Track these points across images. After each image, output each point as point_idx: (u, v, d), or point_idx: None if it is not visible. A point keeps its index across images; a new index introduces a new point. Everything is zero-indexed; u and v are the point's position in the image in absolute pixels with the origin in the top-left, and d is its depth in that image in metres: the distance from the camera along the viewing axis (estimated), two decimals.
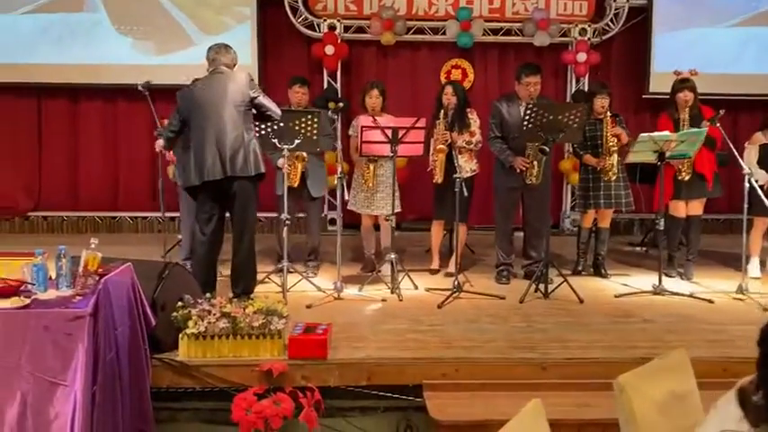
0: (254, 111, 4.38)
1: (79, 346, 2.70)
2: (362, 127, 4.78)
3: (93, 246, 3.04)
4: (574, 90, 7.88)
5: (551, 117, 4.62)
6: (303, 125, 4.69)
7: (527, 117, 4.66)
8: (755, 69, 8.01)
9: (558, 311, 4.39)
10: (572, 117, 4.64)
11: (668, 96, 7.67)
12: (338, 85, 7.77)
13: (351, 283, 4.97)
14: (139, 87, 4.66)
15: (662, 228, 4.95)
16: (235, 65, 4.50)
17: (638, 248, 7.04)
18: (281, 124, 4.67)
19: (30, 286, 3.06)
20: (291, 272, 4.89)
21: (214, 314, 3.42)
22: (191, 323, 3.39)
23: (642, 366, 2.06)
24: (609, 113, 5.32)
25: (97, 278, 3.04)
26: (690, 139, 4.74)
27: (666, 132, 4.83)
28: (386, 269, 5.14)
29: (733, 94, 7.51)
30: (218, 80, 4.34)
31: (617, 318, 4.25)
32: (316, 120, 4.71)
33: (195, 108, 4.32)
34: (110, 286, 2.94)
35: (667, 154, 4.79)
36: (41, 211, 7.65)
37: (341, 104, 4.90)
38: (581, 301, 4.60)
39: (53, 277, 3.11)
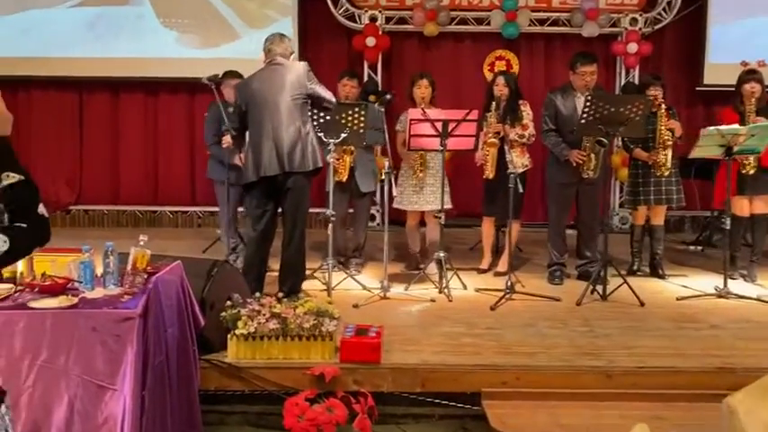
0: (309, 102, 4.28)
1: (128, 348, 2.58)
2: (411, 120, 4.60)
3: (141, 243, 2.92)
4: (624, 82, 7.59)
5: (612, 109, 4.38)
6: (350, 118, 4.52)
7: (586, 109, 4.43)
8: None
9: (618, 315, 4.16)
10: (634, 109, 4.39)
11: (725, 89, 7.44)
12: (378, 78, 7.60)
13: (396, 281, 4.81)
14: (204, 80, 4.54)
15: (728, 227, 4.67)
16: (291, 54, 4.39)
17: (692, 247, 6.73)
18: (328, 117, 4.52)
19: (77, 284, 2.96)
20: (337, 269, 4.75)
21: (264, 314, 3.28)
22: (240, 323, 3.26)
23: (752, 385, 1.85)
24: (663, 106, 5.04)
25: (146, 276, 2.92)
26: (760, 133, 4.46)
27: (735, 126, 4.55)
28: (430, 268, 4.99)
29: None
30: (276, 72, 4.22)
31: (683, 323, 4.01)
32: (363, 113, 4.54)
33: (252, 101, 4.22)
34: (160, 285, 2.81)
35: (735, 149, 4.51)
36: (82, 204, 7.66)
37: (388, 96, 4.71)
38: (642, 305, 4.37)
39: (99, 274, 3.01)
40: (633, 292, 4.41)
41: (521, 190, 4.49)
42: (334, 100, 4.34)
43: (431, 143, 4.65)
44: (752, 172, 4.92)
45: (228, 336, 3.31)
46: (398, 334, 3.69)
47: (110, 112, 7.67)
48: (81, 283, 2.93)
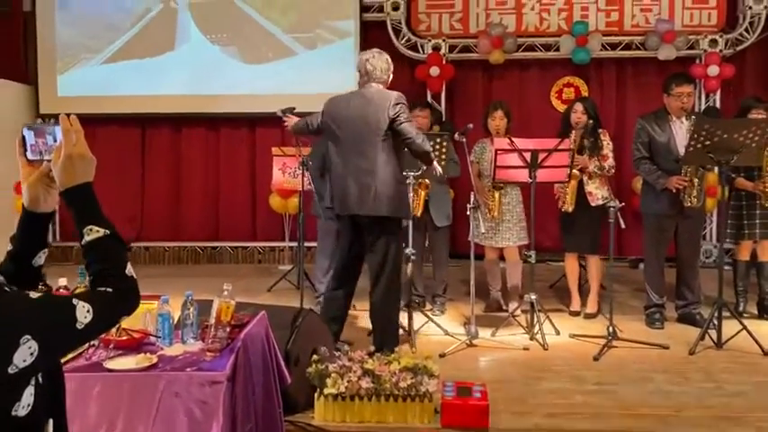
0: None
1: (215, 416, 2.25)
2: (497, 150, 4.25)
3: (225, 292, 2.60)
4: (704, 107, 7.12)
5: (724, 135, 3.94)
6: (432, 150, 4.19)
7: (694, 135, 4.00)
8: None
9: (742, 367, 3.68)
10: (750, 135, 3.95)
11: None
12: (443, 108, 7.31)
13: (479, 324, 4.40)
14: (278, 113, 4.27)
15: None
16: (389, 75, 3.74)
17: None
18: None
19: (153, 338, 2.67)
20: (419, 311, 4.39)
21: (355, 371, 2.93)
22: (329, 381, 2.91)
23: None
24: None
25: (228, 330, 2.60)
26: None
27: None
28: (511, 308, 4.63)
29: None
30: (359, 98, 3.69)
31: None
32: (445, 143, 4.23)
33: (329, 125, 3.74)
34: (248, 342, 2.49)
35: None
36: (143, 241, 7.54)
37: (470, 126, 4.39)
38: (765, 353, 3.86)
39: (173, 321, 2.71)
40: (755, 339, 3.92)
41: (622, 225, 4.06)
42: (420, 143, 3.59)
43: (519, 174, 4.28)
44: None
45: (315, 395, 2.96)
46: (499, 390, 3.28)
47: (171, 148, 7.59)
48: (159, 338, 2.63)
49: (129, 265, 1.45)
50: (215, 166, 7.56)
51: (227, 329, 2.60)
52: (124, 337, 2.58)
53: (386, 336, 3.72)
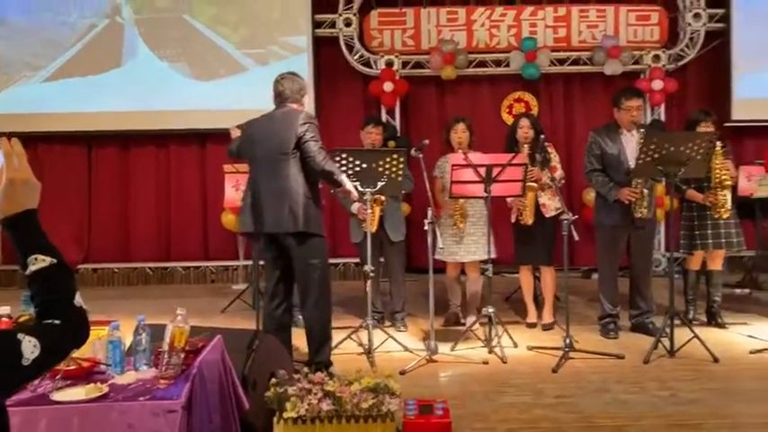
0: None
1: None
2: (453, 165, 4.26)
3: (179, 317, 2.51)
4: (650, 120, 7.33)
5: (672, 148, 4.06)
6: (387, 166, 4.19)
7: (643, 148, 4.10)
8: None
9: (695, 374, 3.76)
10: (696, 147, 4.07)
11: (754, 124, 7.21)
12: (397, 124, 7.35)
13: (438, 339, 4.37)
14: (235, 129, 4.22)
15: None
16: (302, 96, 3.87)
17: (738, 291, 6.36)
18: (364, 165, 4.19)
19: (103, 366, 2.56)
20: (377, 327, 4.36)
21: (315, 393, 2.86)
22: (289, 405, 2.84)
23: None
24: (719, 143, 4.73)
25: (183, 356, 2.51)
26: None
27: None
28: (469, 322, 4.67)
29: None
30: (270, 118, 3.80)
31: None
32: (402, 159, 4.22)
33: (245, 147, 3.86)
34: (204, 369, 2.40)
35: None
36: (91, 263, 7.30)
37: (426, 141, 4.40)
38: (716, 360, 3.96)
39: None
40: (706, 347, 4.01)
41: (576, 237, 4.11)
42: (320, 161, 3.62)
43: (475, 190, 4.30)
44: None
45: (275, 419, 2.88)
46: (461, 407, 3.26)
47: (118, 166, 7.40)
48: (109, 366, 2.52)
49: (77, 295, 1.37)
50: (165, 184, 7.39)
51: (182, 355, 2.51)
52: (72, 367, 2.46)
53: (320, 348, 3.76)
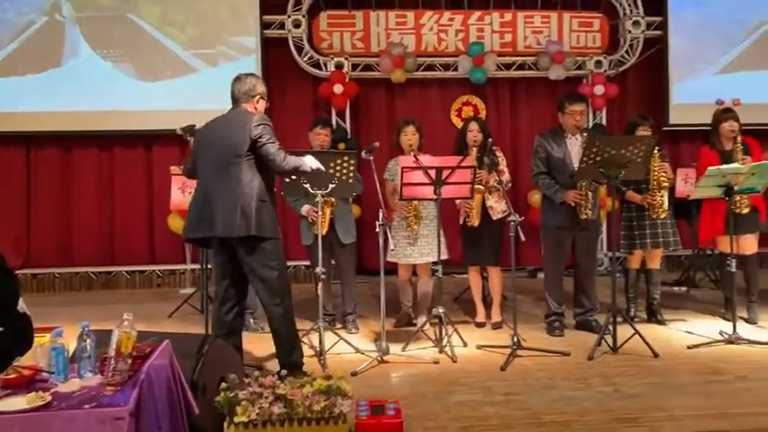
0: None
1: None
2: (403, 168, 4.30)
3: (126, 322, 2.46)
4: (592, 124, 7.56)
5: (613, 151, 4.20)
6: (338, 167, 4.20)
7: (586, 152, 4.23)
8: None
9: (636, 369, 3.89)
10: (636, 150, 4.22)
11: (690, 128, 7.50)
12: (347, 126, 7.36)
13: (389, 340, 4.40)
14: (179, 132, 4.11)
15: (734, 269, 4.51)
16: (253, 96, 3.76)
17: (676, 288, 6.62)
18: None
19: (46, 374, 2.48)
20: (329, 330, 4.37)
21: (266, 397, 2.84)
22: (239, 409, 2.81)
23: None
24: (657, 147, 4.92)
25: (130, 361, 2.47)
26: (761, 172, 4.36)
27: (736, 165, 4.44)
28: (420, 322, 4.73)
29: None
30: (222, 120, 3.75)
31: (707, 375, 3.76)
32: (352, 162, 4.23)
33: (197, 150, 3.80)
34: (152, 374, 2.36)
35: (736, 188, 4.39)
36: (31, 268, 7.06)
37: (376, 144, 4.42)
38: (656, 356, 4.12)
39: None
40: (647, 343, 4.16)
41: (523, 238, 4.21)
42: (279, 162, 3.59)
43: (425, 192, 4.35)
44: (746, 211, 4.81)
45: (225, 423, 2.85)
46: (413, 406, 3.30)
47: (60, 168, 7.18)
48: (53, 373, 2.45)
49: (21, 301, 1.34)
50: (109, 187, 7.21)
51: (129, 361, 2.47)
52: (12, 375, 2.39)
53: (291, 351, 3.74)
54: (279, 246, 3.75)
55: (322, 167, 3.89)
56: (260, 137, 3.56)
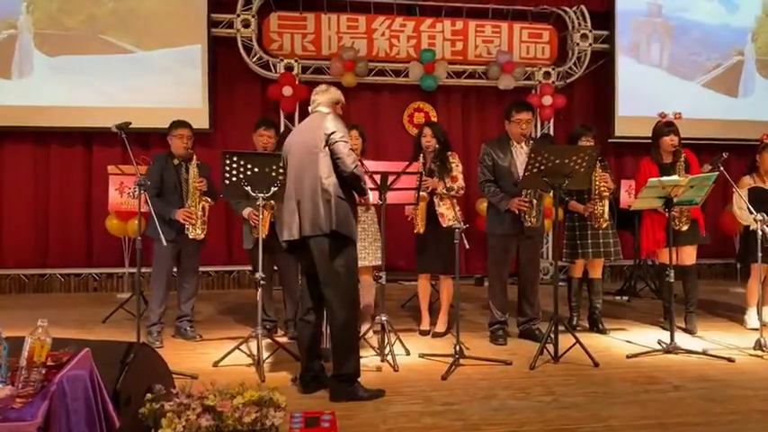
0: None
1: None
2: None
3: (40, 329, 2.31)
4: (540, 134, 7.64)
5: (557, 161, 4.21)
6: (281, 170, 4.08)
7: (531, 162, 4.23)
8: (720, 115, 8.01)
9: (576, 379, 3.89)
10: (579, 161, 4.25)
11: (634, 141, 7.66)
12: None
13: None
14: (114, 129, 3.92)
15: (672, 280, 4.58)
16: (336, 103, 3.77)
17: (618, 298, 6.72)
18: (256, 170, 4.08)
19: None
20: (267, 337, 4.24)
21: (194, 408, 2.70)
22: (165, 422, 2.66)
23: None
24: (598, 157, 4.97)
25: (44, 371, 2.31)
26: (699, 184, 4.44)
27: (675, 177, 4.52)
28: (363, 329, 4.58)
29: (700, 139, 7.37)
30: (301, 126, 3.89)
31: (644, 385, 3.78)
32: None
33: (284, 157, 3.78)
34: (66, 385, 2.21)
35: (675, 200, 4.46)
36: None
37: None
38: (596, 365, 4.13)
39: None
40: (588, 353, 4.18)
41: (467, 246, 4.17)
42: (349, 164, 3.51)
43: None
44: (685, 228, 4.90)
45: None
46: (350, 417, 3.20)
47: None
48: None
49: None
50: (44, 185, 6.91)
51: (43, 371, 2.32)
52: None
53: (341, 364, 3.55)
54: (351, 247, 3.63)
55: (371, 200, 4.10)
56: (334, 132, 3.54)
